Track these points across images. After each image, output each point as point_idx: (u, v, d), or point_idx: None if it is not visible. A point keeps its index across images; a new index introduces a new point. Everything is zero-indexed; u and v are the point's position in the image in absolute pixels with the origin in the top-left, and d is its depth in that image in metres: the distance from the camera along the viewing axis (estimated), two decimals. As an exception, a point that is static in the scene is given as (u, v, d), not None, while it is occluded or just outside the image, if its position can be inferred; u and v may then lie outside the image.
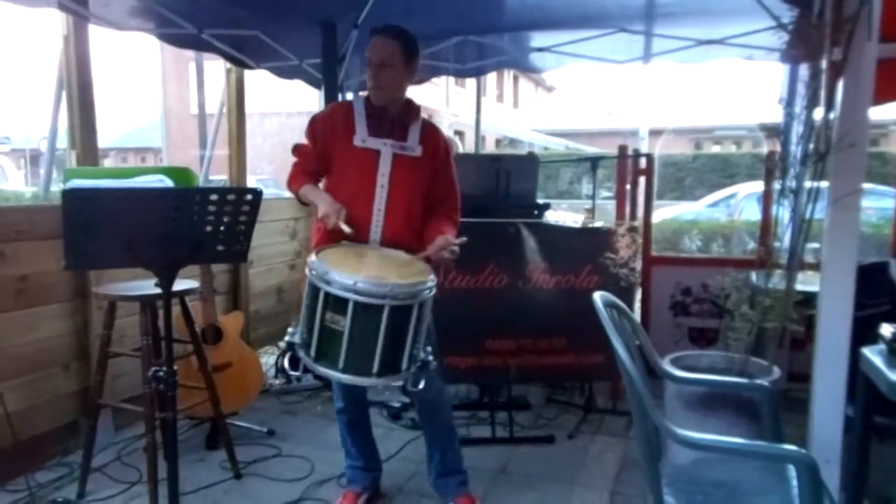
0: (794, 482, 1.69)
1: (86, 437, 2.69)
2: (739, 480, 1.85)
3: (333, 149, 2.34)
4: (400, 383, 2.21)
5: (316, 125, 2.40)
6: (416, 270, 2.13)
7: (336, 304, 1.94)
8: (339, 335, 1.95)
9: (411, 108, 2.39)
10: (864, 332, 2.05)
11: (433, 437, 2.53)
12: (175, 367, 2.02)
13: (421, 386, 2.09)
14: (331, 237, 2.26)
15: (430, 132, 2.41)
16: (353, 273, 1.96)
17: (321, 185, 2.41)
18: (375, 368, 1.97)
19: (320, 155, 2.36)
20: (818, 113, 2.24)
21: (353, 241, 2.24)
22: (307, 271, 2.04)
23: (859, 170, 2.17)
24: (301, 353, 2.05)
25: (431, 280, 2.07)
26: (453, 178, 2.48)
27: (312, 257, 2.05)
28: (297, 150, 2.43)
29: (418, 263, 2.20)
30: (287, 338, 2.09)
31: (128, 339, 3.05)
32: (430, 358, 2.10)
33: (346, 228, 2.18)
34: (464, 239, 2.28)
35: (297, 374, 2.16)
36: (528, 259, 3.28)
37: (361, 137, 2.30)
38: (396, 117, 2.35)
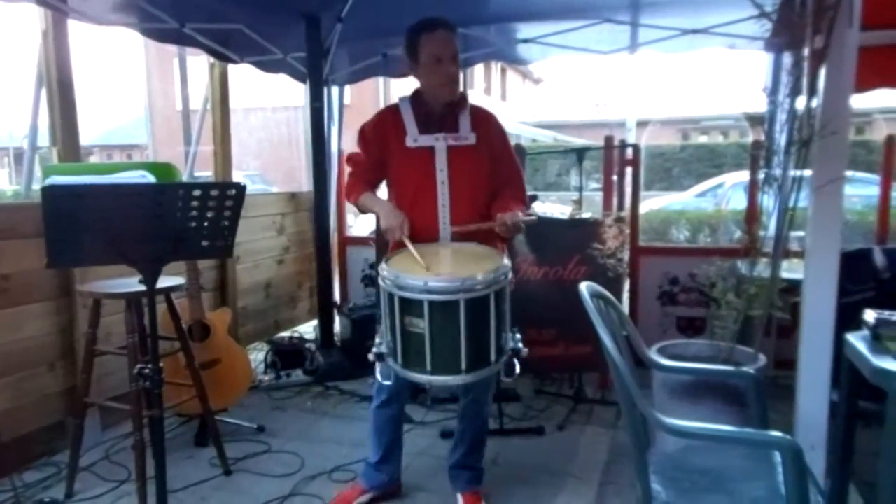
0: (781, 468, 1.71)
1: (72, 437, 2.67)
2: (726, 467, 1.87)
3: (388, 154, 2.33)
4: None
5: (367, 134, 2.39)
6: (488, 260, 2.11)
7: (412, 307, 1.95)
8: (421, 338, 1.95)
9: (458, 97, 2.34)
10: (848, 319, 2.07)
11: (467, 430, 2.51)
12: (161, 365, 2.01)
13: (517, 373, 2.07)
14: (400, 246, 2.24)
15: (482, 117, 2.37)
16: (422, 274, 1.96)
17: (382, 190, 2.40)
18: (464, 365, 1.96)
19: (375, 163, 2.36)
20: (801, 101, 2.25)
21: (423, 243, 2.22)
22: (380, 281, 2.05)
23: (842, 157, 2.18)
24: (391, 363, 2.06)
25: (505, 266, 2.06)
26: (515, 160, 2.44)
27: (383, 266, 2.06)
28: (350, 159, 2.43)
29: (489, 252, 2.19)
30: (375, 349, 2.09)
31: (114, 337, 3.03)
32: (521, 346, 2.07)
33: (409, 246, 2.16)
34: (534, 217, 2.28)
35: (389, 382, 2.15)
36: (515, 251, 3.28)
37: (413, 137, 2.28)
38: (445, 109, 2.31)
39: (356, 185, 2.37)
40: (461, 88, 2.34)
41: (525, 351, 2.07)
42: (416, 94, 2.34)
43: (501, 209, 2.26)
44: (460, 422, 2.54)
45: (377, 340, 2.12)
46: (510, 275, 2.06)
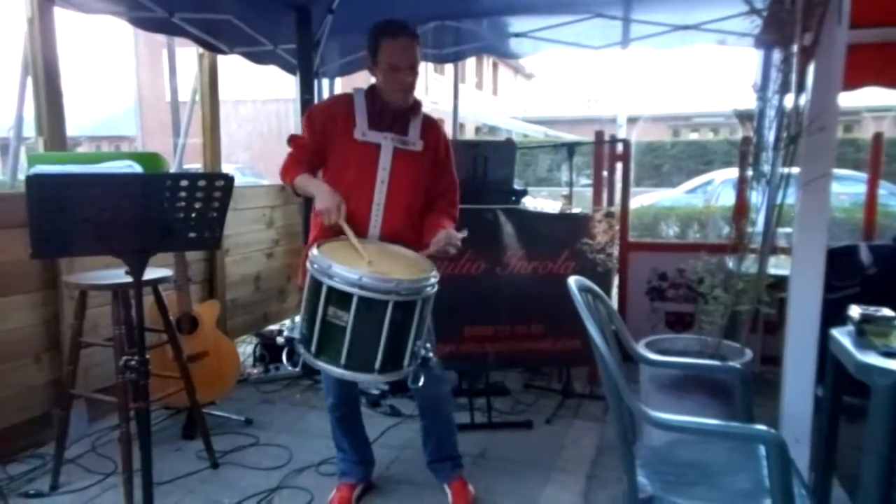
0: (765, 461, 1.72)
1: (58, 429, 2.65)
2: (712, 461, 1.88)
3: (332, 141, 2.29)
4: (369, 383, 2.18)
5: (314, 116, 2.35)
6: (419, 265, 2.11)
7: (339, 298, 1.91)
8: (342, 330, 1.92)
9: (412, 103, 2.34)
10: (834, 314, 2.09)
11: (432, 425, 2.52)
12: (148, 357, 1.99)
13: (421, 382, 2.07)
14: (330, 231, 2.21)
15: (431, 126, 2.38)
16: (357, 268, 1.93)
17: (318, 175, 2.36)
18: (378, 365, 1.95)
19: (317, 147, 2.32)
20: (790, 98, 2.26)
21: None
22: (308, 265, 2.00)
23: (829, 154, 2.19)
24: (301, 349, 2.02)
25: (434, 276, 2.05)
26: (453, 173, 2.45)
27: (314, 251, 2.01)
28: (292, 140, 2.39)
29: (420, 257, 2.18)
30: (286, 333, 2.05)
31: (101, 328, 3.01)
32: (431, 354, 2.08)
33: (346, 230, 2.13)
34: (465, 232, 2.26)
35: (296, 369, 2.11)
36: (505, 245, 3.29)
37: (362, 131, 2.26)
38: (398, 111, 2.30)
39: (294, 167, 2.31)
40: (415, 95, 2.32)
41: (434, 360, 2.10)
42: (372, 89, 2.32)
43: (435, 226, 2.27)
44: (421, 418, 2.55)
45: (288, 324, 2.09)
46: (437, 287, 2.05)
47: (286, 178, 2.32)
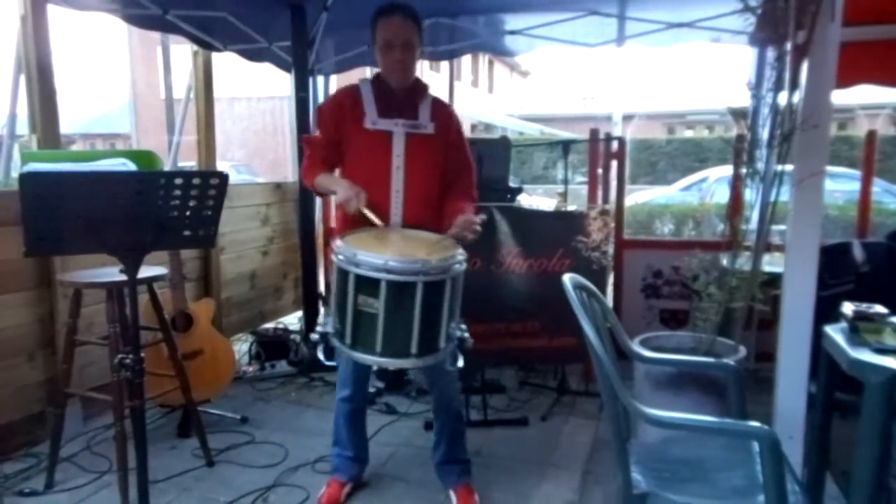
0: (759, 458, 1.73)
1: (53, 427, 2.64)
2: (706, 457, 1.89)
3: (345, 135, 2.29)
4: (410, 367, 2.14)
5: (324, 113, 2.36)
6: (444, 246, 2.10)
7: (368, 285, 1.89)
8: (374, 318, 1.90)
9: (419, 86, 2.33)
10: (827, 311, 2.10)
11: (445, 424, 2.51)
12: (143, 355, 1.99)
13: (461, 363, 2.05)
14: (353, 223, 2.20)
15: (441, 108, 2.38)
16: (382, 253, 1.91)
17: (336, 173, 2.36)
18: (414, 349, 1.93)
19: (332, 143, 2.32)
20: (784, 95, 2.27)
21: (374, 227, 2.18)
22: (333, 257, 1.99)
23: (822, 151, 2.20)
24: (336, 343, 1.99)
25: (461, 254, 2.04)
26: (468, 154, 2.45)
27: (338, 242, 2.00)
28: (307, 141, 2.39)
29: (443, 239, 2.17)
30: (319, 328, 2.02)
31: (96, 326, 3.00)
32: (466, 335, 2.05)
33: (369, 214, 2.13)
34: (484, 217, 2.26)
35: (333, 363, 2.08)
36: (500, 243, 3.29)
37: (372, 120, 2.26)
38: (405, 96, 2.30)
39: (313, 167, 2.32)
40: (416, 74, 2.33)
41: (470, 341, 2.06)
42: (378, 77, 2.33)
43: (455, 210, 2.26)
44: (436, 418, 2.54)
45: (320, 320, 2.07)
46: (465, 264, 2.05)
47: (307, 181, 2.33)
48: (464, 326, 2.08)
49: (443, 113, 2.37)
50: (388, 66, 2.25)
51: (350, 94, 2.33)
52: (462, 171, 2.43)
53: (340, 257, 1.94)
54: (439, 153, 2.34)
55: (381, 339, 1.92)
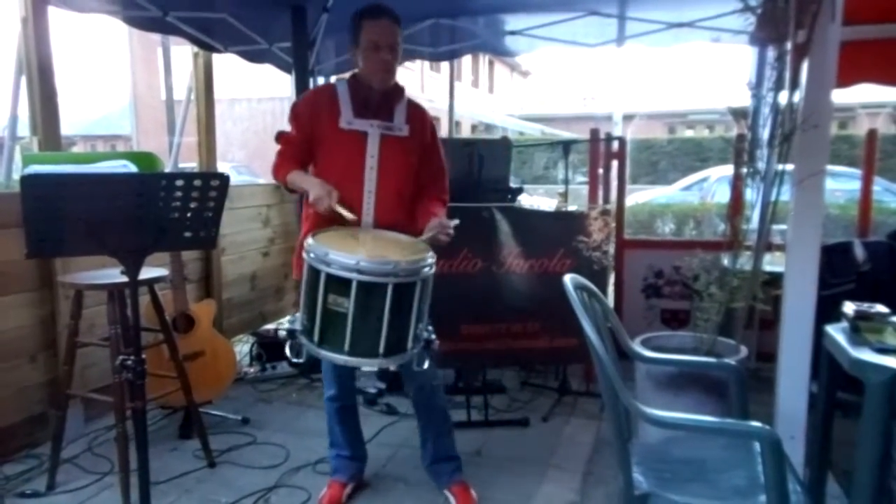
0: (760, 458, 1.73)
1: (54, 429, 2.64)
2: (707, 457, 1.89)
3: (319, 133, 2.29)
4: (376, 368, 2.16)
5: (299, 110, 2.34)
6: (415, 248, 2.10)
7: (338, 285, 1.90)
8: (343, 317, 1.91)
9: (396, 88, 2.34)
10: (828, 311, 2.09)
11: (428, 422, 2.52)
12: (144, 356, 1.99)
13: (426, 365, 2.07)
14: (324, 222, 2.20)
15: (416, 111, 2.38)
16: (353, 253, 1.92)
17: (309, 171, 2.35)
18: (382, 349, 1.94)
19: (305, 141, 2.31)
20: (784, 95, 2.27)
21: (345, 225, 2.19)
22: (304, 255, 1.99)
23: (823, 151, 2.20)
24: (303, 340, 2.00)
25: (432, 257, 2.05)
26: (441, 158, 2.45)
27: (309, 240, 2.00)
28: (280, 137, 2.37)
29: (415, 241, 2.18)
30: (287, 325, 2.03)
31: (97, 328, 3.00)
32: (433, 337, 2.07)
33: (342, 211, 2.12)
34: (456, 221, 2.26)
35: (300, 360, 2.08)
36: (501, 243, 3.29)
37: (347, 119, 2.26)
38: (382, 98, 2.30)
39: (284, 164, 2.31)
40: (396, 78, 2.33)
41: (437, 343, 2.08)
42: (354, 77, 2.32)
43: (427, 214, 2.27)
44: (418, 417, 2.54)
45: (289, 318, 2.08)
46: (434, 267, 2.05)
47: (278, 175, 2.32)
48: (431, 328, 2.10)
49: (417, 116, 2.37)
50: (374, 66, 2.24)
51: (326, 93, 2.34)
52: (435, 173, 2.43)
53: (311, 255, 1.95)
54: (413, 155, 2.35)
55: (350, 338, 1.93)
